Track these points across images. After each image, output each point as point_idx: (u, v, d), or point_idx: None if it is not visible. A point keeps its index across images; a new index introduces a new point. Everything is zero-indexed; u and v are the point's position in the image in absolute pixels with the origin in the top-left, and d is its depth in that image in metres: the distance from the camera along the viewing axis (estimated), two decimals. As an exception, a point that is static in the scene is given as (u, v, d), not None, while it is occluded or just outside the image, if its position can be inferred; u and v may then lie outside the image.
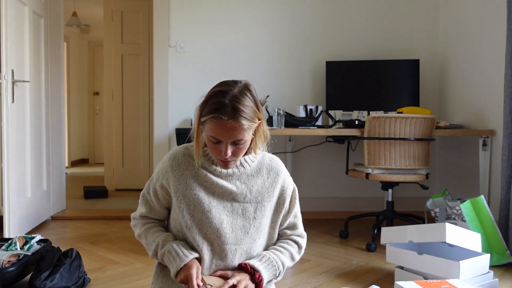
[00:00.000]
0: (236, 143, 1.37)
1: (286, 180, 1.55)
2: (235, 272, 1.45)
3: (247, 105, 1.35)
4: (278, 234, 1.60)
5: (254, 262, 1.46)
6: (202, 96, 1.41)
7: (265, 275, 1.45)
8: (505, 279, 2.38)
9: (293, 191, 1.58)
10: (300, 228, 1.61)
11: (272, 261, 1.49)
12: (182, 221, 1.46)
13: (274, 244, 1.58)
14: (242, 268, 1.46)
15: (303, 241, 1.60)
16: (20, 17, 3.15)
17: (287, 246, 1.56)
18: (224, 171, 1.47)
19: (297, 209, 1.60)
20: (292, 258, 1.56)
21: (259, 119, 1.40)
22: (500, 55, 2.98)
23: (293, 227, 1.60)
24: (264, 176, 1.52)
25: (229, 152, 1.37)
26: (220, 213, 1.45)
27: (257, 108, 1.39)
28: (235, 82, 1.39)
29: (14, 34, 3.01)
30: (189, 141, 1.54)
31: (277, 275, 1.50)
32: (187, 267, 1.41)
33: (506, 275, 2.44)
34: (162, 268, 1.53)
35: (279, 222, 1.56)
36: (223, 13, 3.92)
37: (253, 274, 1.44)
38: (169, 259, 1.44)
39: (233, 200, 1.47)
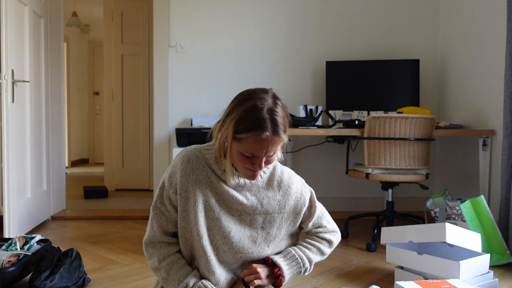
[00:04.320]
0: (270, 155, 1.36)
1: (299, 190, 1.53)
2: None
3: (282, 116, 1.34)
4: (306, 234, 1.61)
5: (277, 258, 1.48)
6: (223, 110, 1.39)
7: (286, 272, 1.47)
8: (505, 279, 2.38)
9: (311, 197, 1.57)
10: (327, 226, 1.59)
11: (296, 258, 1.50)
12: (194, 227, 1.43)
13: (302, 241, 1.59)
14: (265, 261, 1.49)
15: (331, 236, 1.59)
16: (20, 17, 3.15)
17: (314, 242, 1.57)
18: (235, 181, 1.44)
19: (319, 211, 1.58)
20: (322, 253, 1.56)
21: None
22: (500, 55, 2.98)
23: (318, 227, 1.59)
24: (275, 189, 1.49)
25: (263, 165, 1.35)
26: (228, 221, 1.44)
27: (287, 115, 1.38)
28: (264, 92, 1.36)
29: (14, 34, 3.01)
30: (188, 143, 1.53)
31: (303, 271, 1.52)
32: None
33: (506, 275, 2.44)
34: None
35: (295, 231, 1.57)
36: (223, 13, 3.92)
37: (273, 268, 1.47)
38: None
39: (242, 211, 1.46)
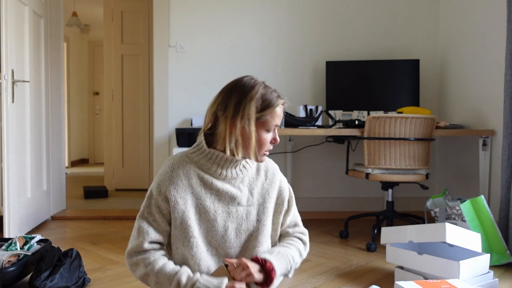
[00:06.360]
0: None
1: (282, 180, 1.57)
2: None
3: None
4: (280, 235, 1.60)
5: (264, 254, 1.44)
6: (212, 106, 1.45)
7: (277, 266, 1.42)
8: (505, 279, 2.38)
9: (289, 191, 1.60)
10: (301, 226, 1.62)
11: (282, 255, 1.47)
12: (188, 232, 1.41)
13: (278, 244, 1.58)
14: (253, 260, 1.43)
15: (306, 238, 1.61)
16: (20, 17, 3.15)
17: (293, 243, 1.56)
18: (229, 174, 1.45)
19: (295, 208, 1.61)
20: (300, 254, 1.57)
21: None
22: (500, 55, 2.98)
23: (294, 225, 1.61)
24: (262, 177, 1.52)
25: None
26: (225, 220, 1.44)
27: None
28: (243, 77, 1.49)
29: (14, 34, 3.01)
30: (188, 143, 1.54)
31: (289, 269, 1.50)
32: None
33: (506, 275, 2.44)
34: None
35: (280, 223, 1.57)
36: (223, 13, 3.92)
37: (264, 264, 1.40)
38: None
39: (238, 205, 1.46)
